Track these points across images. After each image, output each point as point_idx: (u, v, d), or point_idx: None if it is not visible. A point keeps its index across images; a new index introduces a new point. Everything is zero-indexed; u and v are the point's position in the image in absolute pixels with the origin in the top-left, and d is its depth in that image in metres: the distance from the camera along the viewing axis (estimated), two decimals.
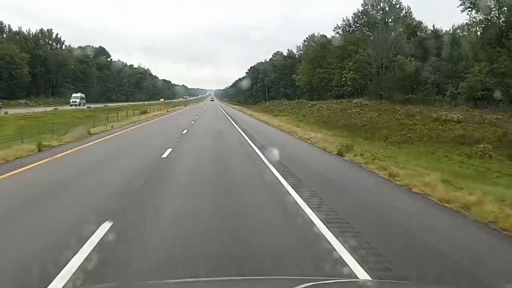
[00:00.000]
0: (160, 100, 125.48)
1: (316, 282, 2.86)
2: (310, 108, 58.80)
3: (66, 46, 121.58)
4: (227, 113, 57.38)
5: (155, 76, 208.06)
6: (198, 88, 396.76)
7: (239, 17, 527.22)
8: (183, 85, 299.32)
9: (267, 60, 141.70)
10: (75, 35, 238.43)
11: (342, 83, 66.96)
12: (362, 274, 4.96)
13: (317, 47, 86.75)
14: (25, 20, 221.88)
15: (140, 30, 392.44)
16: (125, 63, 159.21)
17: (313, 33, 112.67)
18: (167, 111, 60.89)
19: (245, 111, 63.77)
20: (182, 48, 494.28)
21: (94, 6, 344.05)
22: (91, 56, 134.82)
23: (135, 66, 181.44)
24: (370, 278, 4.73)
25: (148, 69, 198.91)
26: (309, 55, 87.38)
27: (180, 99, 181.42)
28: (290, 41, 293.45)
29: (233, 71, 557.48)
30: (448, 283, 4.96)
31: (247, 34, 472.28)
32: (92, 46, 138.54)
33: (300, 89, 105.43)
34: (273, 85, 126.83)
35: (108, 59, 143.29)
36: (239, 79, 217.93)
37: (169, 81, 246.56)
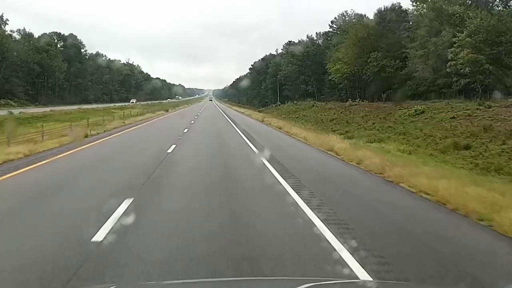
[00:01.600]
0: (131, 101, 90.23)
1: (316, 283, 2.73)
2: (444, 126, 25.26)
3: (20, 30, 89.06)
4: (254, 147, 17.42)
5: (146, 73, 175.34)
6: (196, 88, 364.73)
7: (239, 17, 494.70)
8: (180, 84, 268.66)
9: (279, 51, 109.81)
10: (66, 31, 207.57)
11: (449, 69, 34.85)
12: None
13: (372, 21, 54.63)
14: (17, 16, 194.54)
15: (136, 29, 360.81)
16: (105, 55, 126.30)
17: (346, 10, 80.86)
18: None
19: (282, 127, 27.49)
20: (180, 48, 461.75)
21: (90, 4, 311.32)
22: (57, 45, 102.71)
23: (123, 61, 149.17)
24: (371, 278, 4.32)
25: (138, 65, 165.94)
26: (356, 34, 55.34)
27: (169, 100, 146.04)
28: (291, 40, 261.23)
29: (231, 71, 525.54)
30: (448, 283, 4.43)
31: (247, 34, 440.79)
32: (60, 33, 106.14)
33: (331, 84, 73.53)
34: (287, 81, 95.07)
35: (83, 51, 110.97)
36: (240, 77, 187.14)
37: (164, 80, 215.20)
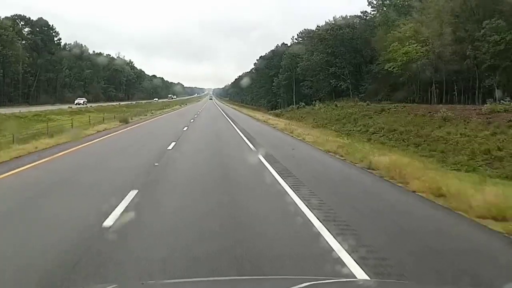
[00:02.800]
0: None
1: (315, 282, 2.67)
2: None
3: None
4: None
5: (140, 69, 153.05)
6: (195, 87, 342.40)
7: (239, 16, 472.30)
8: (178, 83, 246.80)
9: (296, 40, 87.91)
10: (66, 30, 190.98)
11: None
12: None
13: None
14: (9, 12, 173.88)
15: (136, 28, 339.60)
16: (84, 45, 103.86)
17: None
18: None
19: None
20: (179, 47, 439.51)
21: (90, 3, 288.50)
22: (22, 30, 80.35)
23: (113, 55, 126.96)
24: (368, 277, 4.14)
25: (130, 61, 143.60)
26: None
27: (156, 99, 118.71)
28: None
29: (231, 71, 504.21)
30: (448, 283, 4.25)
31: (247, 33, 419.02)
32: (26, 17, 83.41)
33: (378, 78, 51.62)
34: (306, 76, 73.15)
35: (56, 39, 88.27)
36: (243, 74, 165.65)
37: (161, 78, 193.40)
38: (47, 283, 4.12)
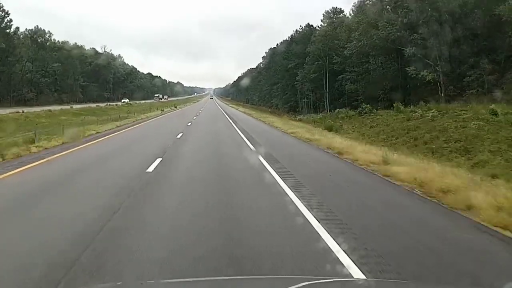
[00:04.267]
0: None
1: (314, 282, 2.60)
2: None
3: None
4: None
5: (132, 66, 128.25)
6: (196, 87, 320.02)
7: (239, 17, 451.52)
8: (178, 82, 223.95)
9: (330, 16, 64.11)
10: (63, 28, 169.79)
11: None
12: None
13: None
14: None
15: (135, 26, 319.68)
16: (49, 31, 78.93)
17: None
18: None
19: None
20: (180, 46, 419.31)
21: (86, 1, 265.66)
22: None
23: (99, 50, 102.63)
24: (365, 277, 3.99)
25: (119, 56, 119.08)
26: None
27: (125, 101, 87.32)
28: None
29: (231, 71, 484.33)
30: (448, 283, 4.08)
31: (247, 34, 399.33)
32: None
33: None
34: (347, 66, 49.30)
35: (6, 21, 63.46)
36: (248, 70, 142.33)
37: (158, 76, 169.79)
38: None
